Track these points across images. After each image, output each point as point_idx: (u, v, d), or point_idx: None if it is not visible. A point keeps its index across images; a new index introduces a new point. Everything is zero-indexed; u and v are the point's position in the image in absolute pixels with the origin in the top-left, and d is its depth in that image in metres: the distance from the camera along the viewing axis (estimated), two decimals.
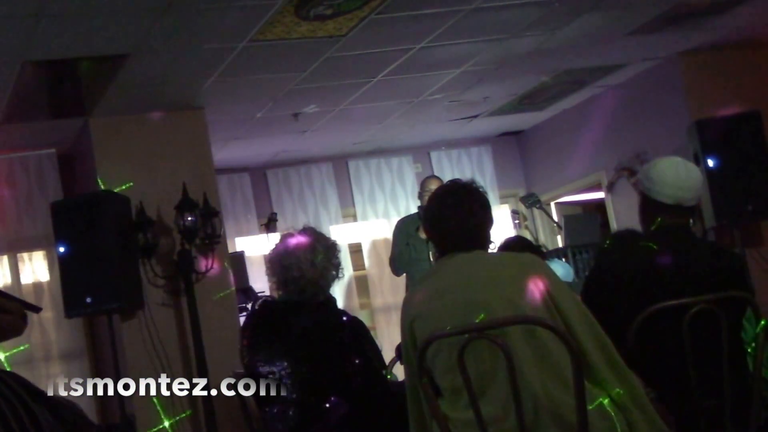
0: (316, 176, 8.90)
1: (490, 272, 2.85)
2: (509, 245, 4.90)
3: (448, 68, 6.66)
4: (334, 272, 3.68)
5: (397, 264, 6.98)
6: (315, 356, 3.53)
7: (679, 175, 3.32)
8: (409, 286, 6.70)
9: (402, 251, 6.87)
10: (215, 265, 6.41)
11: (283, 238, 3.77)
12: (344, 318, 3.73)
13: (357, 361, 3.53)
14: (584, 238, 7.13)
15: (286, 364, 3.52)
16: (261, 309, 3.85)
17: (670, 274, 3.21)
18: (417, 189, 7.95)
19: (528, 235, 8.18)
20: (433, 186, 6.79)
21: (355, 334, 3.62)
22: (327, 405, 3.47)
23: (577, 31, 6.15)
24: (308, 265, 3.59)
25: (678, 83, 7.35)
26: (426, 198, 6.71)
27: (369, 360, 3.59)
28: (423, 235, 6.16)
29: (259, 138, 7.82)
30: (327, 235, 3.83)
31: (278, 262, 3.67)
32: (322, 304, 3.67)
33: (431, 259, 6.21)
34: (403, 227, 7.01)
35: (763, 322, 3.14)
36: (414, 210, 7.67)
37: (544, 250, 6.89)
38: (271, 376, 3.53)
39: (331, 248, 3.69)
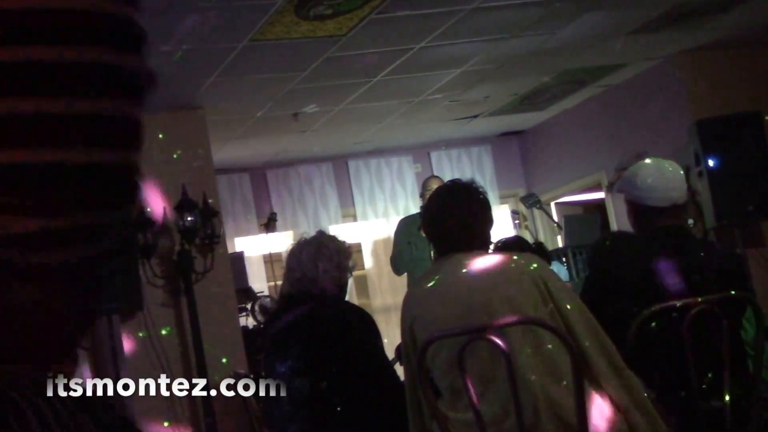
0: (316, 176, 8.90)
1: (490, 272, 2.85)
2: (506, 245, 4.89)
3: (448, 68, 6.66)
4: (342, 274, 3.71)
5: (397, 263, 6.99)
6: (324, 346, 3.54)
7: (667, 176, 3.32)
8: (411, 286, 6.70)
9: (402, 250, 6.87)
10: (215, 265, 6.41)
11: (294, 244, 3.86)
12: (350, 309, 3.76)
13: (364, 351, 3.53)
14: (584, 238, 7.12)
15: (300, 351, 3.53)
16: (275, 310, 3.95)
17: (670, 275, 3.21)
18: (417, 189, 7.96)
19: (528, 236, 8.18)
20: (435, 186, 6.79)
21: (363, 326, 3.63)
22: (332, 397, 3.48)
23: (577, 31, 6.15)
24: (311, 267, 3.63)
25: (678, 83, 7.34)
26: (427, 198, 6.72)
27: (376, 350, 3.59)
28: (425, 235, 6.15)
29: (259, 138, 7.82)
30: (338, 239, 3.86)
31: (287, 267, 3.75)
32: (331, 297, 3.68)
33: (432, 259, 6.21)
34: (405, 227, 7.01)
35: None
36: (414, 210, 7.67)
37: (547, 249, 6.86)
38: (287, 367, 3.54)
39: (339, 251, 3.72)
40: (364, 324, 3.65)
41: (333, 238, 3.81)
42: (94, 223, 0.54)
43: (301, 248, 3.69)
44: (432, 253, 6.21)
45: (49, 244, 0.52)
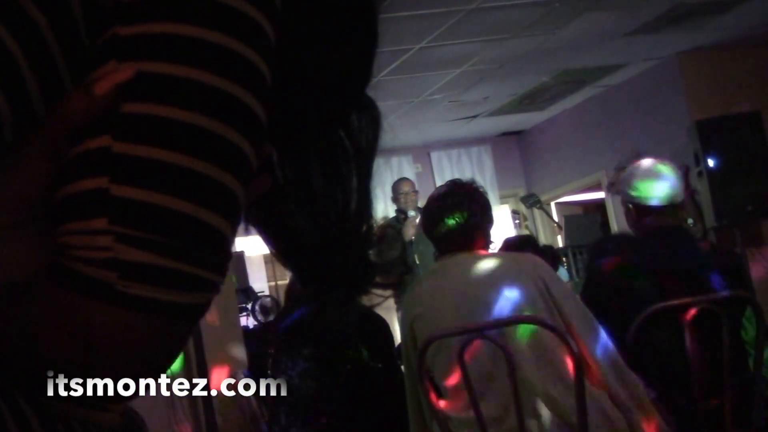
0: None
1: (491, 272, 2.85)
2: (512, 245, 4.89)
3: (448, 68, 6.66)
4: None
5: None
6: (335, 349, 3.53)
7: (661, 176, 3.33)
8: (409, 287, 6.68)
9: None
10: None
11: None
12: (364, 313, 3.73)
13: (374, 357, 3.52)
14: (584, 238, 7.13)
15: (310, 352, 3.53)
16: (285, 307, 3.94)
17: (669, 274, 3.21)
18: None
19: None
20: (407, 188, 6.80)
21: (375, 331, 3.60)
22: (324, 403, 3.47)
23: (577, 31, 6.15)
24: None
25: (678, 83, 7.35)
26: (402, 200, 6.73)
27: (387, 356, 3.57)
28: (405, 238, 6.18)
29: None
30: None
31: None
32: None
33: (416, 262, 6.16)
34: None
35: None
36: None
37: (558, 253, 6.84)
38: (297, 368, 3.53)
39: None
40: (377, 328, 3.62)
41: None
42: (195, 275, 0.58)
43: None
44: (416, 256, 6.20)
45: (151, 280, 0.55)
